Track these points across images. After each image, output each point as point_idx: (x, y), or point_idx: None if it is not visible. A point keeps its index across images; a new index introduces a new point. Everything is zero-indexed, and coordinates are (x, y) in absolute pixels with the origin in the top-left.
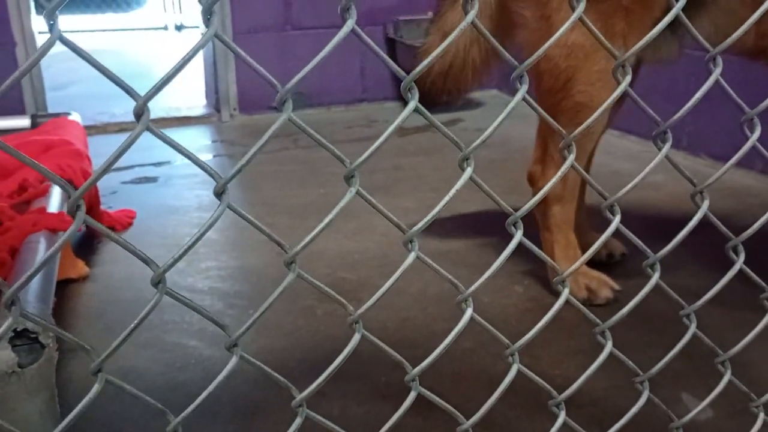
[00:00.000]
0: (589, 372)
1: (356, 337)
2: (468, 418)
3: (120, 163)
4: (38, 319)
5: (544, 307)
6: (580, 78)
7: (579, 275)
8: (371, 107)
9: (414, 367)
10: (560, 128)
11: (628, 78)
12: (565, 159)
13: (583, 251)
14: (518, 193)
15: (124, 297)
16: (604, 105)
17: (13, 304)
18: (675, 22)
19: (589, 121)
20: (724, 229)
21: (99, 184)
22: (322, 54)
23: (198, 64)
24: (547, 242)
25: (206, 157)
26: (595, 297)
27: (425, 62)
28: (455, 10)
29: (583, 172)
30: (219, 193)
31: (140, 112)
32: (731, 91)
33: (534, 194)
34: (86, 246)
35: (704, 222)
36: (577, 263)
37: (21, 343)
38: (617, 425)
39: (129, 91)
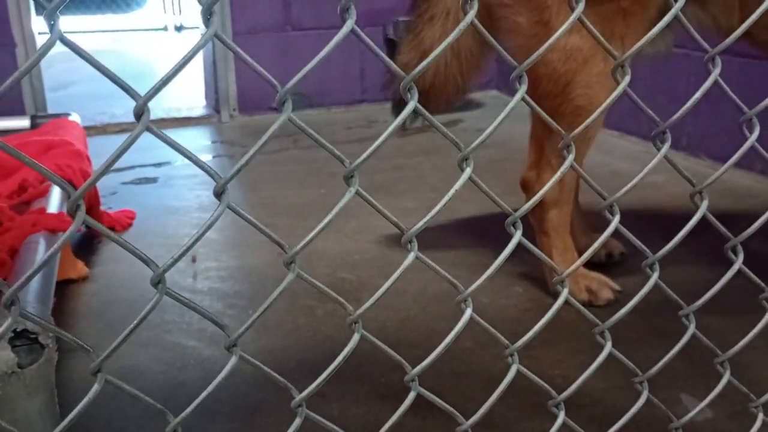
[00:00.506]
0: (588, 372)
1: (355, 337)
2: (467, 418)
3: (120, 163)
4: (38, 319)
5: (543, 308)
6: (579, 81)
7: (579, 277)
8: (371, 108)
9: (413, 367)
10: (559, 128)
11: (627, 78)
12: (563, 160)
13: (581, 252)
14: (518, 194)
15: (124, 297)
16: (604, 105)
17: (13, 304)
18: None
19: (588, 120)
20: (723, 229)
21: (99, 184)
22: (321, 54)
23: (198, 64)
24: (545, 246)
25: (206, 157)
26: (596, 298)
27: (425, 62)
28: (433, 27)
29: (583, 172)
30: (219, 194)
31: (140, 112)
32: (730, 92)
33: (528, 200)
34: (86, 246)
35: (704, 222)
36: (577, 263)
37: (21, 344)
38: (616, 425)
39: (129, 90)
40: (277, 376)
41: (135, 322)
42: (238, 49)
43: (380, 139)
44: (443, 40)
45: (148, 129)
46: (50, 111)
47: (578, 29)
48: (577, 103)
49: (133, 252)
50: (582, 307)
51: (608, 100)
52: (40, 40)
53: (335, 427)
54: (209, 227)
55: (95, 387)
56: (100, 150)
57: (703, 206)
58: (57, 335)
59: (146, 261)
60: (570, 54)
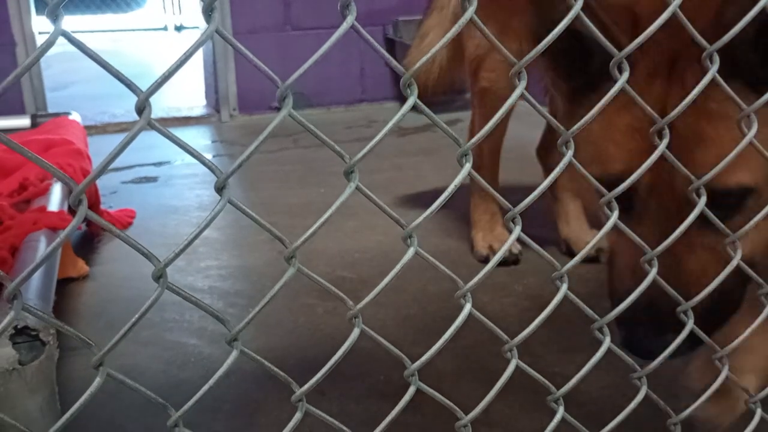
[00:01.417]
0: (587, 367)
1: (355, 332)
2: (467, 413)
3: (120, 162)
4: (40, 313)
5: (543, 306)
6: (485, 66)
7: (488, 234)
8: (371, 107)
9: (413, 363)
10: (558, 125)
11: (626, 74)
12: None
13: (571, 243)
14: (517, 191)
15: (124, 295)
16: (604, 101)
17: (15, 298)
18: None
19: (588, 117)
20: (721, 225)
21: (99, 184)
22: (322, 50)
23: (198, 64)
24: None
25: (206, 156)
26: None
27: (425, 58)
28: (430, 17)
29: (582, 170)
30: (220, 189)
31: (142, 107)
32: (728, 88)
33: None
34: (86, 245)
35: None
36: (574, 260)
37: (22, 341)
38: (615, 421)
39: (130, 85)
40: (277, 370)
41: (137, 316)
42: (238, 44)
43: (380, 134)
44: (437, 29)
45: (150, 124)
46: (50, 110)
47: (486, 21)
48: (482, 85)
49: (134, 246)
50: (581, 303)
51: (608, 97)
52: (41, 40)
53: (335, 422)
54: (210, 221)
55: (97, 380)
56: (100, 149)
57: (701, 202)
58: (59, 329)
59: (147, 255)
60: (480, 41)
